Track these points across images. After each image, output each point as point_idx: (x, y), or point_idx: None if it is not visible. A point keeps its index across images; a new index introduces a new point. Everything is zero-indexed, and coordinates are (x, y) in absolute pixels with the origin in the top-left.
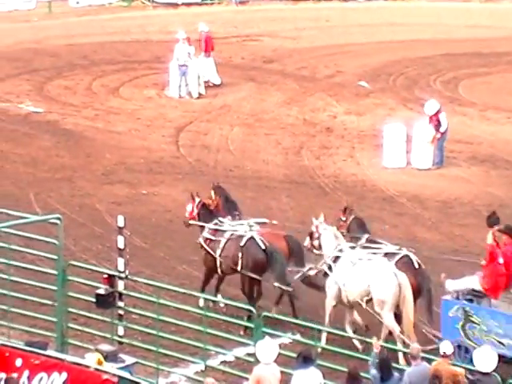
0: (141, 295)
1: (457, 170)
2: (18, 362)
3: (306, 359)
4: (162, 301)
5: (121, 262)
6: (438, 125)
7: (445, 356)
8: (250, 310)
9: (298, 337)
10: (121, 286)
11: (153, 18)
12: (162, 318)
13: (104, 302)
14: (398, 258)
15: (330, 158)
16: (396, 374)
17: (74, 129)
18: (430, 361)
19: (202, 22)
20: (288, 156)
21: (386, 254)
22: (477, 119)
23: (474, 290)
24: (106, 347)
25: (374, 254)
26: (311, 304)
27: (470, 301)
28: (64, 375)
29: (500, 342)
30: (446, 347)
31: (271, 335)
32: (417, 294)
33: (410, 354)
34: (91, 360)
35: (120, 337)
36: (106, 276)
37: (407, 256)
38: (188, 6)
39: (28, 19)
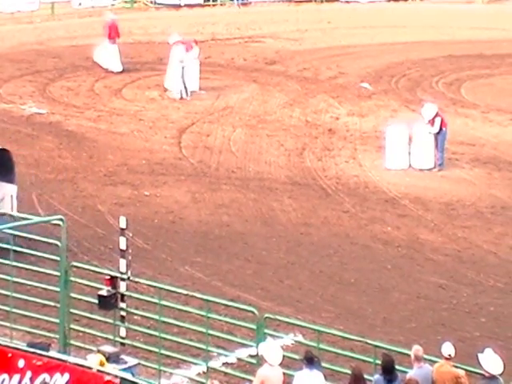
0: (143, 296)
1: (459, 172)
2: (21, 363)
3: (310, 361)
4: (164, 302)
5: (123, 264)
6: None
7: (448, 358)
8: (251, 312)
9: (300, 338)
10: (123, 287)
11: (155, 20)
12: (164, 319)
13: (106, 303)
14: None
15: (332, 160)
16: (398, 377)
17: (76, 130)
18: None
19: (110, 11)
20: (290, 157)
21: None
22: (479, 121)
23: None
24: (108, 348)
25: None
26: (313, 306)
27: None
28: (66, 376)
29: None
30: (450, 349)
31: (273, 336)
32: None
33: (414, 356)
34: (93, 361)
35: (122, 338)
36: (108, 277)
37: None
38: (190, 8)
39: (31, 20)
